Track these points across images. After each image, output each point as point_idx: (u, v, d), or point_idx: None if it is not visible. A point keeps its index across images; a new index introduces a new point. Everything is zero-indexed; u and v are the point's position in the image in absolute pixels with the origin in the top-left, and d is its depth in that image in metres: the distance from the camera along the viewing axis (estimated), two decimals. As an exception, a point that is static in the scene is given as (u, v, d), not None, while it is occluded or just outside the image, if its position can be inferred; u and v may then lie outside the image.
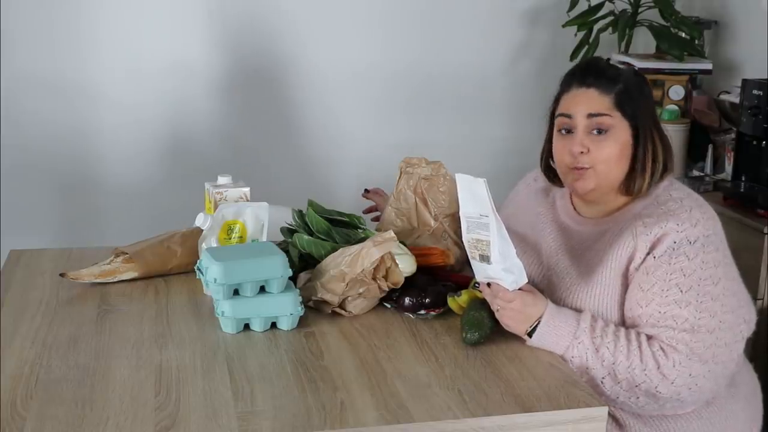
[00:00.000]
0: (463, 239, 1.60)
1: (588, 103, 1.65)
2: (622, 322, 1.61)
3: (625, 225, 1.64)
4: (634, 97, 1.65)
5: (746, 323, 1.63)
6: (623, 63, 2.96)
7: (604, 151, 1.63)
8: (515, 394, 1.40)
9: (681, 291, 1.55)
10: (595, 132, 1.64)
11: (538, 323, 1.54)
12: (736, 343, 1.60)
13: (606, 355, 1.52)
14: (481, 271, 1.58)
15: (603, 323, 1.57)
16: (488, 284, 1.58)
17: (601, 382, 1.53)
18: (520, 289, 1.55)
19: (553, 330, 1.54)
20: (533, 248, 1.78)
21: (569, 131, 1.67)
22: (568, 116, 1.67)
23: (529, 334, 1.55)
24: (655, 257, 1.57)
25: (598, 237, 1.68)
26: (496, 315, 1.58)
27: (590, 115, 1.64)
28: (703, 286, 1.55)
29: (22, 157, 3.11)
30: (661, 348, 1.53)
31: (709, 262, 1.57)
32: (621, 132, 1.64)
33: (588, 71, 1.68)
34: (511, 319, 1.56)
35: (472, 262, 1.60)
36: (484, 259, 1.55)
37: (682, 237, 1.57)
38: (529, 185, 1.92)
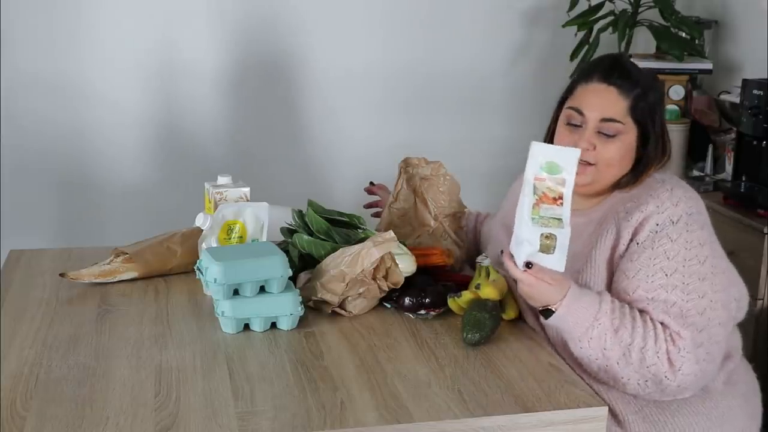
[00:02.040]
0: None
1: (604, 104, 1.62)
2: None
3: (608, 211, 1.63)
4: (649, 102, 1.64)
5: (737, 302, 1.62)
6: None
7: (610, 151, 1.62)
8: (515, 394, 1.40)
9: (666, 275, 1.53)
10: (603, 133, 1.63)
11: (557, 306, 1.51)
12: (729, 321, 1.59)
13: (624, 336, 1.50)
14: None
15: (620, 304, 1.54)
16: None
17: (617, 363, 1.51)
18: (532, 272, 1.48)
19: (574, 312, 1.51)
20: None
21: (577, 126, 1.65)
22: (579, 112, 1.64)
23: (545, 316, 1.53)
24: (638, 243, 1.56)
25: (584, 227, 1.67)
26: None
27: (603, 120, 1.62)
28: (689, 267, 1.54)
29: (22, 157, 3.10)
30: (671, 335, 1.51)
31: (693, 241, 1.55)
32: (629, 136, 1.63)
33: (614, 68, 1.64)
34: (525, 294, 1.53)
35: None
36: None
37: (664, 218, 1.55)
38: None
